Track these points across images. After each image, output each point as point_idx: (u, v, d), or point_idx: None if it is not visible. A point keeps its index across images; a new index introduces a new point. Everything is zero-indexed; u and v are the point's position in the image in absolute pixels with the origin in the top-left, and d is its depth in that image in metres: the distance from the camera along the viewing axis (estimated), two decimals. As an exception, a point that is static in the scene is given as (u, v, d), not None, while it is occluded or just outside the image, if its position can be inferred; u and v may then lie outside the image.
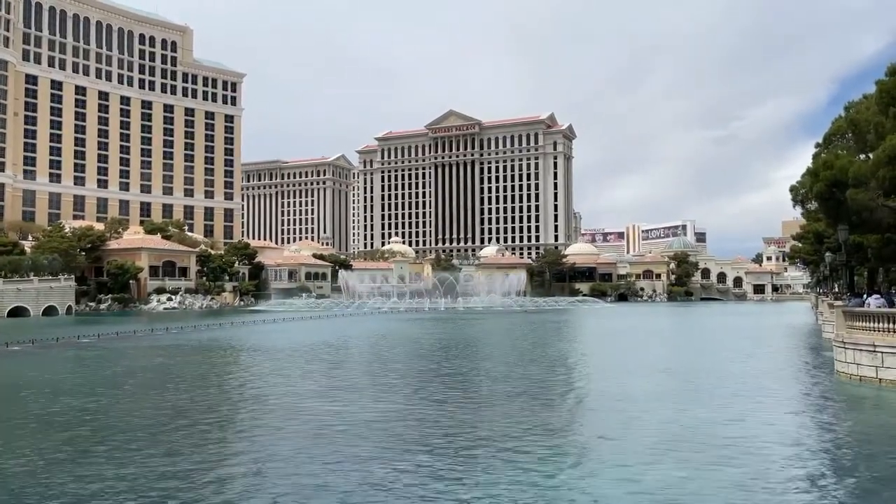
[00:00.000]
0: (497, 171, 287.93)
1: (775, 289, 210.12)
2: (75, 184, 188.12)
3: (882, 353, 27.27)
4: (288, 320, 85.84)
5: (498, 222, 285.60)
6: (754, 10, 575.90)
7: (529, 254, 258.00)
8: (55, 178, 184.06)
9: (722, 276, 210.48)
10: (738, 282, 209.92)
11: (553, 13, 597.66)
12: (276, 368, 37.27)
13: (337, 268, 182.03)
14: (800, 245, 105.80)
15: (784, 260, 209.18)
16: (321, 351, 47.14)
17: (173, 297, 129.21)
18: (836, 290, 79.85)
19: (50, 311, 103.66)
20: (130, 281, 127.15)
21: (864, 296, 38.21)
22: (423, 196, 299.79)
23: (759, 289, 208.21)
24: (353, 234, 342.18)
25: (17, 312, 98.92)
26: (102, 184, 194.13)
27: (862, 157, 41.54)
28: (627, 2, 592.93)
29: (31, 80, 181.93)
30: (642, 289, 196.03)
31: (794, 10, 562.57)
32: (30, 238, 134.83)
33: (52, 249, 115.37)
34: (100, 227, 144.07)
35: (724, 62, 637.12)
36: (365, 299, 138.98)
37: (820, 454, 17.98)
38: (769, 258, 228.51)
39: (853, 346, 28.93)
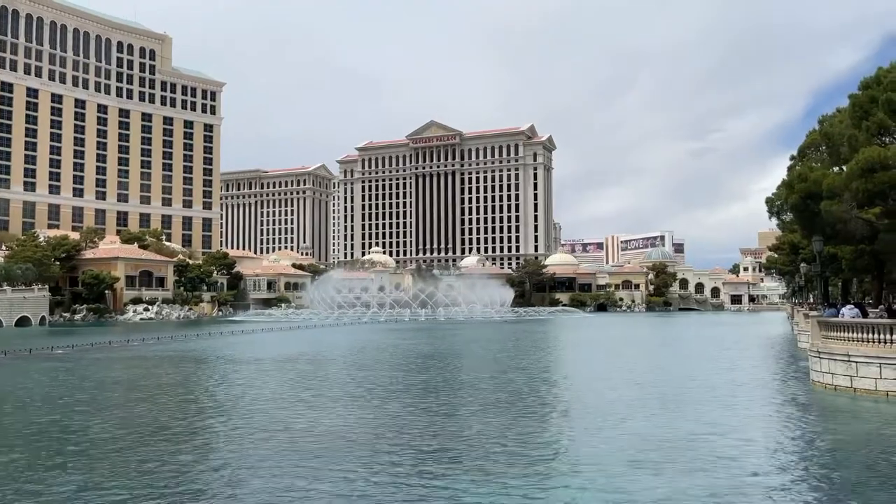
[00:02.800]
0: (477, 181, 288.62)
1: (752, 299, 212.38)
2: (50, 192, 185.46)
3: (856, 362, 27.62)
4: (266, 331, 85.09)
5: (478, 233, 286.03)
6: (732, 25, 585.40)
7: (510, 264, 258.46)
8: (30, 186, 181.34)
9: (700, 287, 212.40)
10: (715, 292, 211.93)
11: (535, 25, 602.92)
12: (252, 380, 36.87)
13: (316, 278, 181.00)
14: (776, 256, 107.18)
15: (760, 270, 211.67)
16: (298, 362, 46.75)
17: (150, 307, 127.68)
18: (812, 300, 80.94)
19: (23, 322, 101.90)
20: (106, 291, 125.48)
21: (839, 306, 38.72)
22: (404, 206, 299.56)
23: (736, 299, 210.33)
24: (334, 243, 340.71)
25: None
26: (78, 193, 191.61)
27: (836, 169, 42.25)
28: (608, 15, 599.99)
29: (7, 87, 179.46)
30: (621, 299, 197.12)
31: (772, 25, 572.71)
32: (3, 247, 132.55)
33: (25, 259, 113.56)
34: (75, 236, 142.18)
35: (702, 75, 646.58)
36: (345, 309, 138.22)
37: (795, 463, 18.12)
38: (746, 269, 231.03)
39: (828, 356, 29.28)
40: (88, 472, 16.87)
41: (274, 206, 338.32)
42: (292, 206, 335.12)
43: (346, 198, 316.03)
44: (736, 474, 16.64)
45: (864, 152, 33.54)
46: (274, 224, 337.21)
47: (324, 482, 16.05)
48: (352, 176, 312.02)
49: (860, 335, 27.97)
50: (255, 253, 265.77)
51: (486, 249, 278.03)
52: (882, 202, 35.96)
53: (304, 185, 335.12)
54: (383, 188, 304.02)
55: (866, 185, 33.59)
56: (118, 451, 19.26)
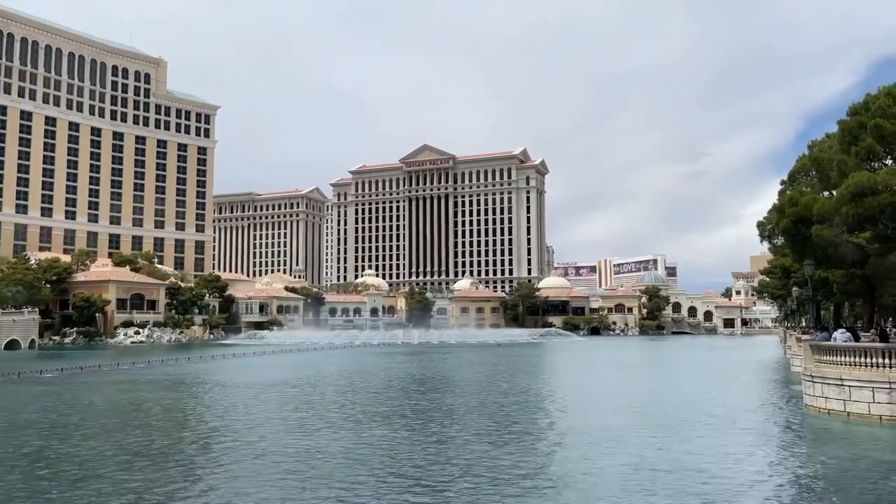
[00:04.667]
0: (470, 204, 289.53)
1: (745, 323, 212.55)
2: (42, 215, 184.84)
3: (849, 386, 27.61)
4: (258, 354, 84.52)
5: (471, 256, 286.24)
6: (722, 50, 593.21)
7: (503, 287, 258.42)
8: (21, 208, 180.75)
9: (692, 310, 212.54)
10: (708, 316, 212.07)
11: (526, 50, 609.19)
12: (243, 405, 36.51)
13: (309, 301, 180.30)
14: (767, 280, 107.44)
15: (753, 294, 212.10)
16: (290, 387, 46.39)
17: (141, 330, 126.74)
18: (804, 324, 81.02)
19: (12, 346, 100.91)
20: (97, 314, 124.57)
21: (830, 330, 38.80)
22: (397, 229, 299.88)
23: (728, 323, 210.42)
24: (327, 266, 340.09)
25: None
26: (70, 215, 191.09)
27: (826, 194, 42.56)
28: (600, 40, 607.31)
29: (1, 110, 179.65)
30: (614, 322, 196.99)
31: (762, 49, 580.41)
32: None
33: (16, 282, 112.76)
34: (66, 258, 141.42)
35: (694, 99, 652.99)
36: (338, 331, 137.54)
37: (789, 488, 18.01)
38: (738, 292, 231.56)
39: (821, 380, 29.27)
40: (73, 498, 16.59)
41: (267, 229, 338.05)
42: (285, 228, 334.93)
43: (339, 221, 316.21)
44: (729, 499, 16.52)
45: (854, 177, 33.79)
46: (267, 247, 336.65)
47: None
48: (345, 199, 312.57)
49: (853, 359, 27.99)
50: (248, 276, 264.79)
51: (479, 272, 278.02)
52: (872, 227, 36.17)
53: (298, 207, 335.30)
54: (377, 211, 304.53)
55: (856, 209, 33.78)
56: (105, 477, 18.97)
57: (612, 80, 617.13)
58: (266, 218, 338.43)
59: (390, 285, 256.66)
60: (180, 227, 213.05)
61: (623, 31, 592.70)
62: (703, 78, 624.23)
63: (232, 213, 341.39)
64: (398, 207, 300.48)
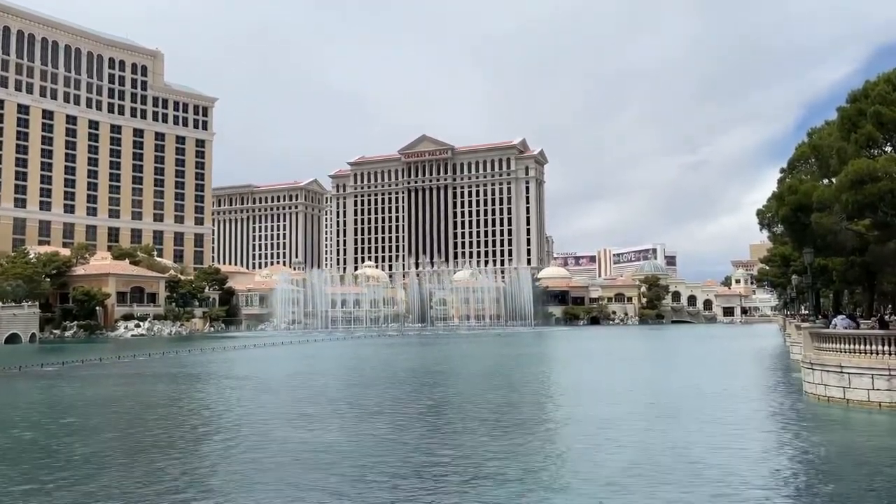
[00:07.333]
0: (470, 195, 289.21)
1: (744, 311, 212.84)
2: (41, 209, 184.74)
3: (849, 373, 27.65)
4: (259, 346, 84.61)
5: (471, 246, 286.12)
6: (724, 44, 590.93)
7: (503, 278, 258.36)
8: (20, 203, 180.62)
9: (692, 299, 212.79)
10: (708, 304, 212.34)
11: (526, 41, 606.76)
12: (244, 398, 36.58)
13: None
14: (767, 268, 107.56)
15: (752, 283, 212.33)
16: (292, 380, 46.47)
17: (141, 323, 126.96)
18: (804, 312, 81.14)
19: (13, 339, 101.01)
20: (97, 307, 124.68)
21: (830, 317, 38.86)
22: (397, 220, 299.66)
23: (728, 311, 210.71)
24: (326, 258, 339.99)
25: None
26: (69, 209, 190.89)
27: (825, 181, 42.47)
28: (600, 32, 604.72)
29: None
30: (614, 312, 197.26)
31: (762, 39, 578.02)
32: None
33: (15, 276, 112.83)
34: (66, 252, 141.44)
35: (693, 90, 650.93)
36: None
37: (789, 476, 18.06)
38: (738, 281, 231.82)
39: (821, 368, 29.31)
40: (75, 494, 16.62)
41: (266, 221, 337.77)
42: (284, 220, 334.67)
43: (338, 212, 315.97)
44: (728, 487, 16.56)
45: (854, 164, 33.70)
46: (266, 239, 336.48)
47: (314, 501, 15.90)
48: (344, 190, 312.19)
49: (852, 346, 28.02)
50: (247, 268, 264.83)
51: (478, 263, 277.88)
52: (872, 214, 36.12)
53: (297, 199, 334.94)
54: (376, 202, 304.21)
55: (856, 196, 33.70)
56: (107, 470, 19.01)
57: (612, 74, 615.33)
58: (265, 210, 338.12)
59: (390, 276, 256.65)
60: (179, 219, 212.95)
61: (624, 25, 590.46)
62: (704, 72, 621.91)
63: (231, 205, 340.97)
64: (397, 198, 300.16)
